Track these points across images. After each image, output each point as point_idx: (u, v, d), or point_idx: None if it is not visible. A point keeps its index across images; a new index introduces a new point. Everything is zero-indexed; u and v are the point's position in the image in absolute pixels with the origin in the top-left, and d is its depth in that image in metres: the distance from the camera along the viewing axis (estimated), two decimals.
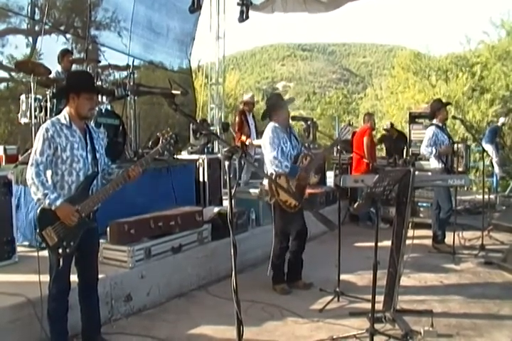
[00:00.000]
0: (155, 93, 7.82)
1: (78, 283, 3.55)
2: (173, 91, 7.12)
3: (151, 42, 11.41)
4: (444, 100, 7.80)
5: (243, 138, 8.38)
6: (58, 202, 3.22)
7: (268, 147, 4.90)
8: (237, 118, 8.73)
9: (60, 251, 3.27)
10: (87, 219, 3.39)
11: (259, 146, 6.49)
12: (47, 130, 3.32)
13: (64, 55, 7.04)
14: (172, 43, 12.19)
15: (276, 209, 4.87)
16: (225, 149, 2.73)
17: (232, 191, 2.75)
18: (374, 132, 9.49)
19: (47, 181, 3.29)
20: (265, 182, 4.94)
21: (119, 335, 3.92)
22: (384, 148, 11.62)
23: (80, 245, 3.35)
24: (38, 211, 3.30)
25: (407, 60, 24.26)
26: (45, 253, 3.40)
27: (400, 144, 10.57)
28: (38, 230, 3.28)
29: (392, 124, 11.38)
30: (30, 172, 3.26)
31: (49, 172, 3.35)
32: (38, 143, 3.33)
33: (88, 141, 3.48)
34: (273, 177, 4.77)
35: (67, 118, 3.42)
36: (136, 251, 4.51)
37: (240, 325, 2.41)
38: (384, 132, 11.72)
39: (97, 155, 3.51)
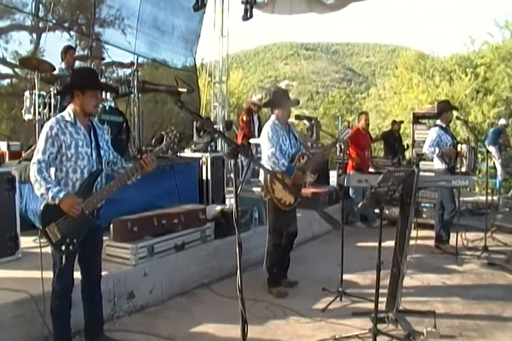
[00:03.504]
0: (161, 90, 7.81)
1: (81, 280, 3.55)
2: (180, 89, 7.12)
3: (157, 40, 11.41)
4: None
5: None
6: (61, 194, 3.21)
7: (266, 143, 4.87)
8: (244, 117, 8.75)
9: (63, 248, 3.26)
10: (91, 216, 3.38)
11: (259, 145, 6.48)
12: (51, 128, 3.31)
13: (67, 51, 7.05)
14: (177, 41, 12.19)
15: (270, 206, 4.86)
16: (231, 148, 2.71)
17: (238, 190, 2.72)
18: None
19: (49, 177, 3.29)
20: (261, 178, 4.93)
21: (121, 332, 3.91)
22: (383, 147, 11.68)
23: (84, 242, 3.35)
24: (42, 207, 3.29)
25: (410, 61, 24.28)
26: (49, 249, 3.39)
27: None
28: (41, 226, 3.28)
29: (401, 122, 11.47)
30: (32, 170, 3.25)
31: (52, 170, 3.35)
32: (41, 141, 3.32)
33: (93, 138, 3.48)
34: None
35: (72, 116, 3.42)
36: (139, 249, 4.51)
37: (244, 323, 2.39)
38: (386, 129, 11.82)
39: (102, 153, 3.50)
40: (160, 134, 7.54)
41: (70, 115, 3.42)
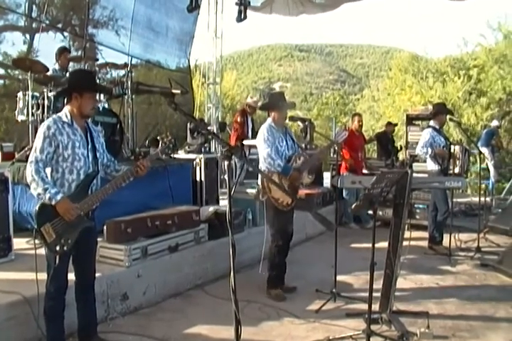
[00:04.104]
0: (155, 92, 7.80)
1: (75, 281, 3.54)
2: (173, 91, 7.12)
3: (151, 41, 11.39)
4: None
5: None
6: (59, 197, 3.22)
7: (262, 144, 4.86)
8: (238, 118, 8.73)
9: (58, 248, 3.26)
10: (86, 217, 3.39)
11: (254, 146, 6.47)
12: (48, 127, 3.32)
13: (61, 52, 7.03)
14: (171, 43, 12.18)
15: (268, 207, 4.84)
16: (225, 149, 2.71)
17: (231, 191, 2.73)
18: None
19: (47, 177, 3.29)
20: (259, 178, 4.93)
21: (115, 334, 3.90)
22: (376, 148, 11.75)
23: (78, 243, 3.35)
24: (37, 207, 3.29)
25: (404, 62, 24.34)
26: (43, 251, 3.39)
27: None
28: (36, 226, 3.27)
29: (395, 124, 11.61)
30: (29, 169, 3.25)
31: (48, 170, 3.34)
32: (38, 140, 3.32)
33: (89, 140, 3.49)
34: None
35: (69, 117, 3.43)
36: (133, 250, 4.50)
37: (238, 324, 2.40)
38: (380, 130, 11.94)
39: (97, 155, 3.52)
40: (154, 137, 7.54)
41: (66, 116, 3.43)
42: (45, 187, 3.21)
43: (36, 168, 3.25)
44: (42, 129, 3.33)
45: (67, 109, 3.47)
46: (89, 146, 3.48)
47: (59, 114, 3.47)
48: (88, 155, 3.45)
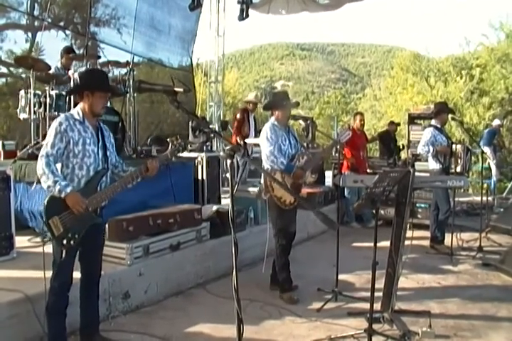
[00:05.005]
0: (157, 90, 7.80)
1: (80, 278, 3.56)
2: (176, 89, 7.11)
3: (153, 39, 11.39)
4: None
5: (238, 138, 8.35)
6: (69, 189, 3.24)
7: (265, 142, 4.84)
8: (238, 116, 8.67)
9: (65, 242, 3.27)
10: (94, 214, 3.41)
11: (256, 145, 6.44)
12: (60, 124, 3.36)
13: (68, 52, 7.02)
14: (174, 41, 12.17)
15: (271, 206, 4.82)
16: (227, 147, 2.70)
17: (234, 190, 2.72)
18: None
19: (57, 170, 3.32)
20: (262, 179, 4.92)
21: (116, 332, 3.90)
22: (379, 147, 11.76)
23: (85, 240, 3.36)
24: (46, 200, 3.30)
25: (406, 61, 24.34)
26: (46, 249, 3.40)
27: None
28: (44, 219, 3.28)
29: (398, 124, 11.60)
30: (40, 162, 3.28)
31: (59, 165, 3.38)
32: (50, 135, 3.36)
33: (100, 138, 3.53)
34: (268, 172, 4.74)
35: (81, 114, 3.47)
36: (135, 249, 4.51)
37: (240, 323, 2.40)
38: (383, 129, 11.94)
39: (107, 153, 3.56)
40: (156, 136, 7.53)
41: (78, 114, 3.48)
42: (55, 179, 3.24)
43: (47, 161, 3.28)
44: (54, 125, 3.38)
45: (79, 107, 3.52)
46: (100, 144, 3.52)
47: (71, 112, 3.54)
48: (98, 153, 3.49)
